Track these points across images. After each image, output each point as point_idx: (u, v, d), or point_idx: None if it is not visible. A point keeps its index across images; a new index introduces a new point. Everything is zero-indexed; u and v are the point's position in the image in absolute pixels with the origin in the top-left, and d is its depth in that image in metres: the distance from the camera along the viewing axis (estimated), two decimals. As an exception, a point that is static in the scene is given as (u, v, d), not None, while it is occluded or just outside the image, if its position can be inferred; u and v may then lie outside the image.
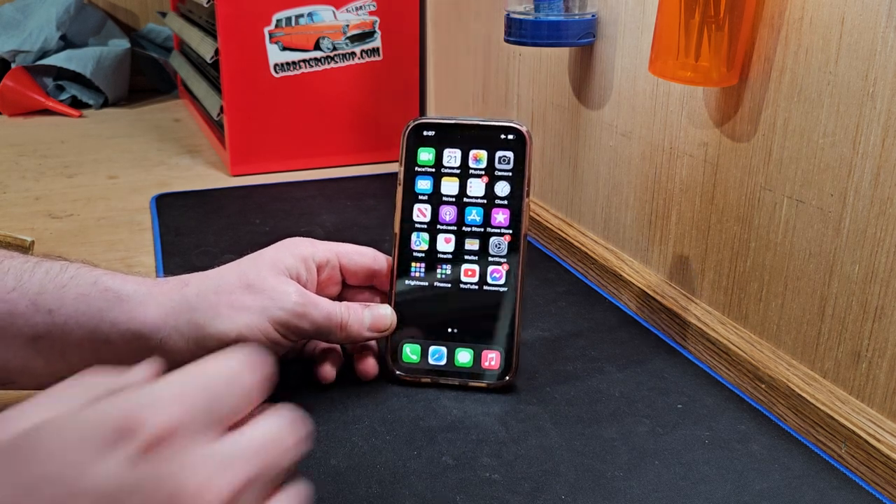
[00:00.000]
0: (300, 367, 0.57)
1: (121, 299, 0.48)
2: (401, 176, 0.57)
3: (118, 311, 0.48)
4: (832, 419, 0.50)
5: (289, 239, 0.55)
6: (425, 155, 0.57)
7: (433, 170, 0.56)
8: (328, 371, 0.55)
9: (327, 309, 0.52)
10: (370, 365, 0.56)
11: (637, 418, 0.52)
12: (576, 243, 0.78)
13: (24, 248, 0.76)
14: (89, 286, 0.48)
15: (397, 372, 0.56)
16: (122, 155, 1.18)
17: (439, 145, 0.56)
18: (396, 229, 0.57)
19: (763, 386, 0.56)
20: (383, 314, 0.55)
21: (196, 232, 0.84)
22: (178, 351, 0.49)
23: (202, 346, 0.49)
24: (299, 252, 0.54)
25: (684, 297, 0.65)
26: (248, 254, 0.54)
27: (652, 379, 0.57)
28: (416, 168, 0.57)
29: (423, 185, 0.57)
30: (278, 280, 0.51)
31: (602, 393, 0.55)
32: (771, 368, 0.55)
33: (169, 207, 0.92)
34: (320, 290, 0.56)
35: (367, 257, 0.57)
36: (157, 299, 0.49)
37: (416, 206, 0.57)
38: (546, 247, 0.84)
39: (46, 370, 0.48)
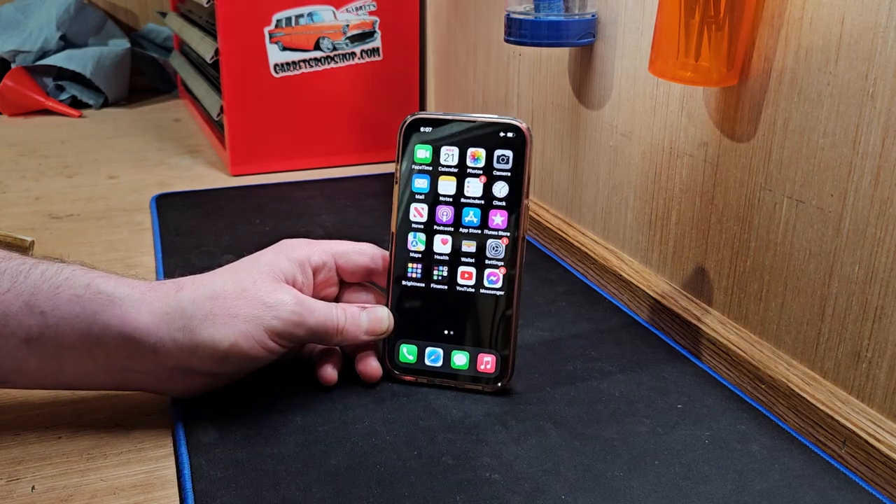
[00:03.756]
0: (300, 367, 0.57)
1: (113, 303, 0.48)
2: (398, 174, 0.56)
3: (110, 315, 0.47)
4: (832, 419, 0.50)
5: (285, 241, 0.55)
6: (422, 152, 0.55)
7: (430, 168, 0.55)
8: (330, 373, 0.55)
9: (323, 315, 0.51)
10: (373, 367, 0.55)
11: (637, 418, 0.52)
12: (576, 243, 0.78)
13: (24, 249, 0.76)
14: (82, 288, 0.48)
15: (394, 371, 0.56)
16: (122, 155, 1.18)
17: (436, 142, 0.55)
18: (394, 229, 0.56)
19: (763, 386, 0.56)
20: (380, 317, 0.54)
21: (196, 232, 0.84)
22: (171, 355, 0.48)
23: (195, 352, 0.48)
24: (296, 256, 0.53)
25: (684, 298, 0.65)
26: (247, 254, 0.54)
27: (652, 379, 0.57)
28: (413, 166, 0.55)
29: (420, 183, 0.55)
30: (274, 287, 0.50)
31: (602, 393, 0.55)
32: (771, 368, 0.55)
33: (169, 207, 0.92)
34: (317, 292, 0.55)
35: (365, 256, 0.56)
36: (151, 304, 0.48)
37: (413, 206, 0.56)
38: (546, 247, 0.84)
39: (40, 371, 0.48)
